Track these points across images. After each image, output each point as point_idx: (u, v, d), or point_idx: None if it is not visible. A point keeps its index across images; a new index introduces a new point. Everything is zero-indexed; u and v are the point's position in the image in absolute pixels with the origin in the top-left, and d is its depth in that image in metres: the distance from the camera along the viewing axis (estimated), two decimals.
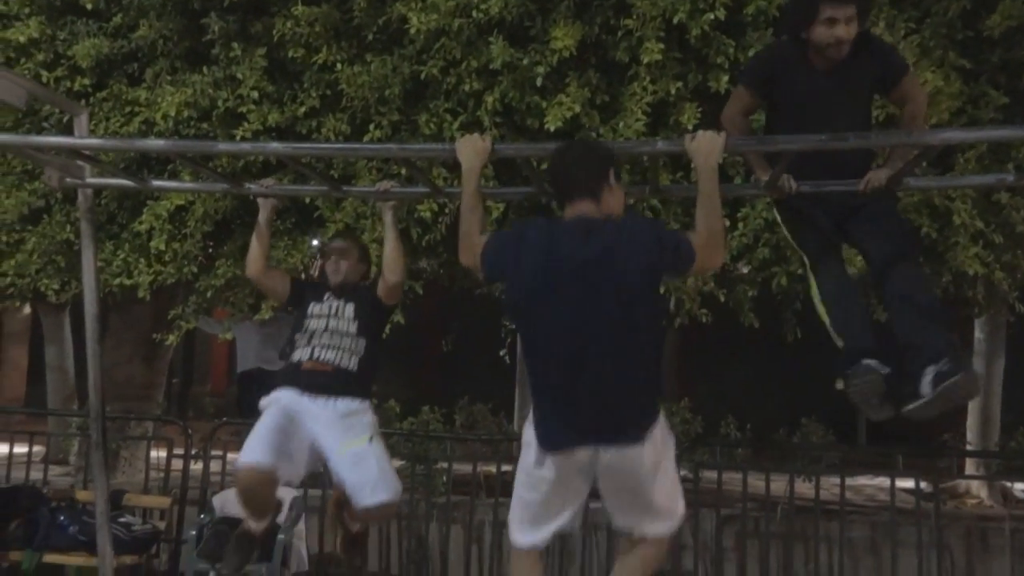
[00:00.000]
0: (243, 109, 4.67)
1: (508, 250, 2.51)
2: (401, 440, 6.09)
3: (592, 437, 2.39)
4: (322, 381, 3.25)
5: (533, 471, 2.50)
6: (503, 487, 5.71)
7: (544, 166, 4.17)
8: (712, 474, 5.68)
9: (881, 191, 2.72)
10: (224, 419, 6.49)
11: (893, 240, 2.71)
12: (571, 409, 2.41)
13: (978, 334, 7.03)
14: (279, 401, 3.28)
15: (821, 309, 2.80)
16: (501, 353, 8.05)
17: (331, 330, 3.35)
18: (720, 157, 2.57)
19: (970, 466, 6.77)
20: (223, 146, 4.13)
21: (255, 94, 4.66)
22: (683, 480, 5.48)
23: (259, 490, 3.19)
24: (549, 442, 2.44)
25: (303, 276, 4.61)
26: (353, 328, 3.37)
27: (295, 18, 4.50)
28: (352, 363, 3.31)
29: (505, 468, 5.82)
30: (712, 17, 4.01)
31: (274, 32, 4.57)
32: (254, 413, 7.17)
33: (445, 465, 5.85)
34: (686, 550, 5.50)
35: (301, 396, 3.25)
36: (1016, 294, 4.55)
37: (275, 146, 3.81)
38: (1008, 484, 6.68)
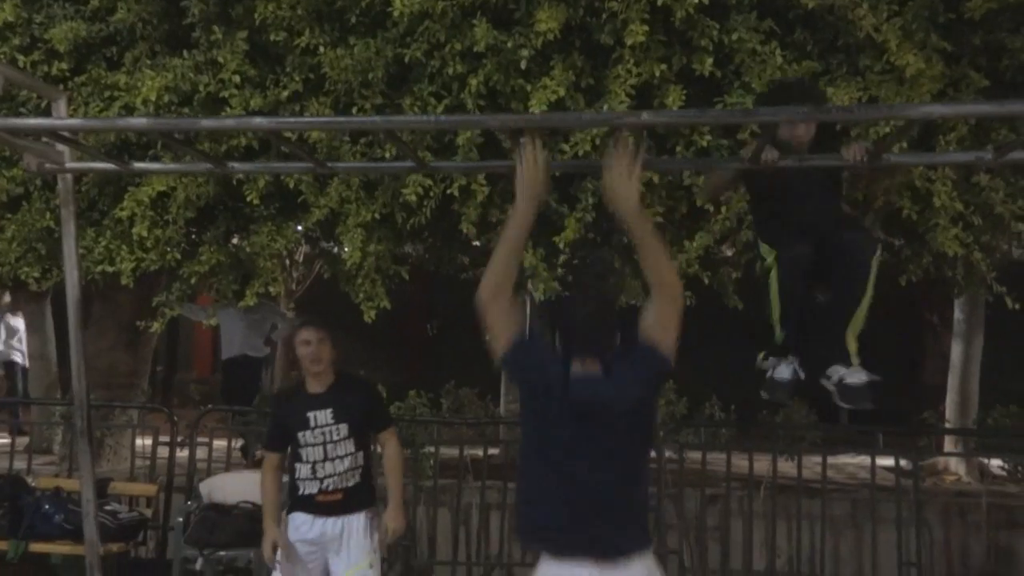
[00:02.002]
0: (225, 93, 4.62)
1: (530, 359, 2.57)
2: None
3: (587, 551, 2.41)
4: (334, 507, 3.56)
5: None
6: (490, 470, 5.76)
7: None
8: (696, 454, 5.76)
9: (861, 170, 2.83)
10: (210, 406, 6.47)
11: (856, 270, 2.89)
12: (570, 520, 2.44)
13: (958, 314, 7.13)
14: (296, 537, 3.57)
15: (774, 300, 2.98)
16: (487, 338, 8.04)
17: (331, 458, 3.54)
18: (635, 199, 2.51)
19: (949, 444, 6.89)
20: (206, 122, 4.06)
21: (237, 78, 4.61)
22: (668, 460, 5.61)
23: None
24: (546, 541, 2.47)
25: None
26: (351, 447, 3.58)
27: (276, 1, 4.45)
28: (357, 478, 3.61)
29: (492, 452, 5.86)
30: (696, 0, 4.00)
31: (255, 15, 4.51)
32: (239, 399, 7.13)
33: (432, 449, 5.88)
34: (671, 530, 5.57)
35: (315, 520, 3.56)
36: (994, 275, 4.61)
37: (258, 121, 3.76)
38: (985, 461, 6.81)
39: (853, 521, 5.56)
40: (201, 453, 6.01)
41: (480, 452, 5.82)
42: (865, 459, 5.67)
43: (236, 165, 4.00)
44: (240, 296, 5.26)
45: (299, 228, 5.08)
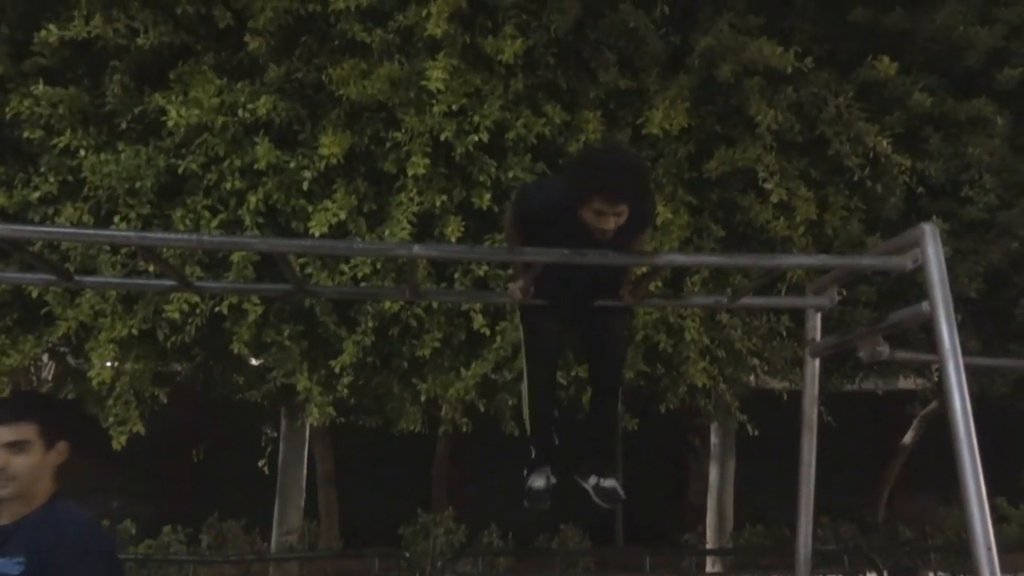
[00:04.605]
0: None
1: None
2: (135, 566, 5.41)
3: None
4: None
5: None
6: None
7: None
8: None
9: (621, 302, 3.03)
10: None
11: (612, 370, 3.11)
12: None
13: (714, 439, 7.75)
14: None
15: (528, 416, 3.12)
16: (260, 464, 7.52)
17: None
18: None
19: (710, 563, 7.29)
20: None
21: None
22: None
23: None
24: None
25: None
26: None
27: (34, 97, 4.13)
28: None
29: None
30: (476, 139, 4.24)
31: (7, 109, 4.15)
32: None
33: None
34: None
35: None
36: (736, 403, 5.08)
37: None
38: None
39: None
40: None
41: None
42: None
43: None
44: None
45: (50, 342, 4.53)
